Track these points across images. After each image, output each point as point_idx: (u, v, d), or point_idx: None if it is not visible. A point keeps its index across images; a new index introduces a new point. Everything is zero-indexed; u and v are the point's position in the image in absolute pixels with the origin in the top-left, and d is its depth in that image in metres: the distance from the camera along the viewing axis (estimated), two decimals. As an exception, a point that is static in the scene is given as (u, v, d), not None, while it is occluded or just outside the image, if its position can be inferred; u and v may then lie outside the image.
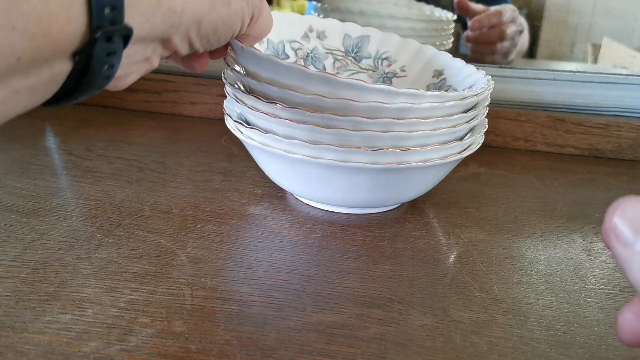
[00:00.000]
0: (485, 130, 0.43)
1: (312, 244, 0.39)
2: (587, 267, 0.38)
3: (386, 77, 0.48)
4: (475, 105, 0.41)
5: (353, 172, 0.38)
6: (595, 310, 0.34)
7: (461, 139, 0.41)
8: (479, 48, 0.73)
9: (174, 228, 0.40)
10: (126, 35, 0.27)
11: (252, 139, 0.39)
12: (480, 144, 0.42)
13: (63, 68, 0.25)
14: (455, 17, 0.72)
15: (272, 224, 0.41)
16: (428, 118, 0.37)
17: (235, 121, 0.41)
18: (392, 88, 0.36)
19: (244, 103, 0.39)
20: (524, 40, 0.78)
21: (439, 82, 0.47)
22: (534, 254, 0.40)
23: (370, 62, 0.49)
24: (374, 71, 0.48)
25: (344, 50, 0.48)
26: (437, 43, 0.71)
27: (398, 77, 0.48)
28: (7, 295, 0.32)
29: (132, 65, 0.30)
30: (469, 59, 0.47)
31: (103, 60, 0.26)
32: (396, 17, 0.67)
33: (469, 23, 0.73)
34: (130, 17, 0.27)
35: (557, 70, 0.66)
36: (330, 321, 0.31)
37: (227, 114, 0.42)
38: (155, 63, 0.32)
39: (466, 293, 0.35)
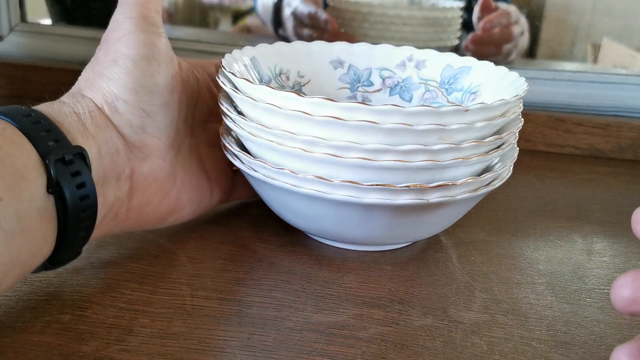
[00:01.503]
0: (514, 160, 0.37)
1: (312, 243, 0.39)
2: (587, 267, 0.38)
3: None
4: (500, 129, 0.36)
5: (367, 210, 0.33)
6: (595, 310, 0.34)
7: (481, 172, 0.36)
8: (485, 49, 0.72)
9: (174, 228, 0.40)
10: (79, 153, 0.29)
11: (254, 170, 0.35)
12: (504, 180, 0.37)
13: (45, 205, 0.28)
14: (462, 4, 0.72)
15: (273, 224, 0.41)
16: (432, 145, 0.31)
17: (233, 149, 0.36)
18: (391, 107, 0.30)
19: (243, 128, 0.35)
20: (524, 41, 0.78)
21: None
22: (534, 254, 0.40)
23: (459, 95, 0.43)
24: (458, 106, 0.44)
25: (439, 81, 0.44)
26: (439, 39, 0.71)
27: None
28: (7, 296, 0.31)
29: (119, 184, 0.32)
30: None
31: (70, 180, 0.28)
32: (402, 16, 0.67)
33: (480, 24, 0.72)
34: (78, 142, 0.30)
35: (557, 70, 0.66)
36: (330, 321, 0.31)
37: (224, 141, 0.37)
38: (143, 169, 0.34)
39: (466, 293, 0.35)
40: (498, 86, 0.40)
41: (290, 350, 0.29)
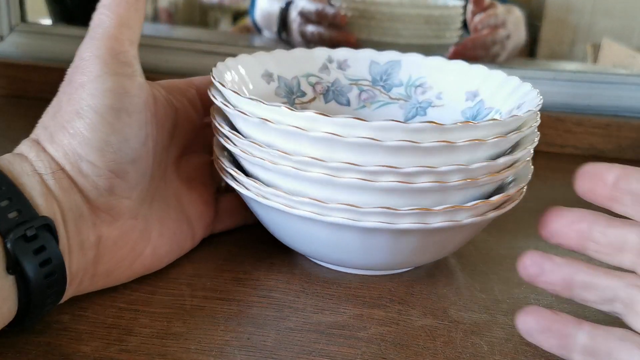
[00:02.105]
0: (527, 182, 0.34)
1: (312, 244, 0.39)
2: (587, 267, 0.38)
3: (420, 107, 0.42)
4: (515, 146, 0.33)
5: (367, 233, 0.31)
6: (595, 310, 0.34)
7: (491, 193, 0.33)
8: (474, 52, 0.72)
9: (173, 228, 0.40)
10: (46, 225, 0.26)
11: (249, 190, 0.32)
12: (516, 201, 0.35)
13: (2, 283, 0.25)
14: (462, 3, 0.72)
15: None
16: (437, 167, 0.29)
17: (224, 165, 0.34)
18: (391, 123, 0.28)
19: (236, 145, 0.32)
20: (520, 38, 0.77)
21: (474, 105, 0.40)
22: (534, 254, 0.40)
23: (401, 90, 0.42)
24: (405, 101, 0.42)
25: (371, 80, 0.42)
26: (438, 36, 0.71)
27: (434, 106, 0.41)
28: (6, 296, 0.31)
29: (82, 252, 0.29)
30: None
31: (32, 257, 0.25)
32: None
33: (472, 25, 0.72)
34: (42, 209, 0.27)
35: (557, 70, 0.65)
36: (330, 321, 0.31)
37: (219, 157, 0.35)
38: (111, 234, 0.30)
39: (466, 293, 0.34)
40: (455, 80, 0.40)
41: (290, 350, 0.29)
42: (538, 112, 0.34)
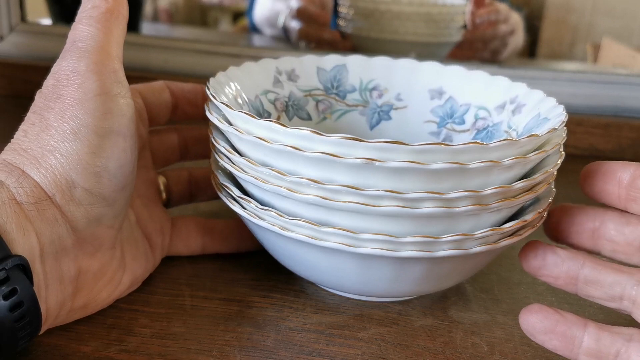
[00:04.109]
0: (550, 202, 0.32)
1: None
2: (587, 268, 0.38)
3: (381, 111, 0.40)
4: (537, 166, 0.31)
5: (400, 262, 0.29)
6: (596, 310, 0.34)
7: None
8: (473, 45, 0.72)
9: (173, 228, 0.40)
10: (20, 265, 0.24)
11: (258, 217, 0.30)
12: (544, 218, 0.32)
13: None
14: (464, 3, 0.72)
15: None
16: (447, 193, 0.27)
17: (233, 192, 0.31)
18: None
19: (245, 172, 0.29)
20: (517, 41, 0.77)
21: (445, 103, 0.38)
22: (534, 254, 0.40)
23: (356, 95, 0.40)
24: (364, 106, 0.40)
25: (323, 88, 0.39)
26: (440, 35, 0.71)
27: (396, 109, 0.39)
28: (6, 296, 0.31)
29: (61, 287, 0.27)
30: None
31: (1, 303, 0.23)
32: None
33: (470, 19, 0.72)
34: (17, 245, 0.24)
35: (557, 70, 0.66)
36: (330, 322, 0.31)
37: (222, 181, 0.32)
38: (92, 267, 0.28)
39: (466, 293, 0.35)
40: (409, 78, 0.39)
41: (290, 351, 0.29)
42: (563, 131, 0.32)
